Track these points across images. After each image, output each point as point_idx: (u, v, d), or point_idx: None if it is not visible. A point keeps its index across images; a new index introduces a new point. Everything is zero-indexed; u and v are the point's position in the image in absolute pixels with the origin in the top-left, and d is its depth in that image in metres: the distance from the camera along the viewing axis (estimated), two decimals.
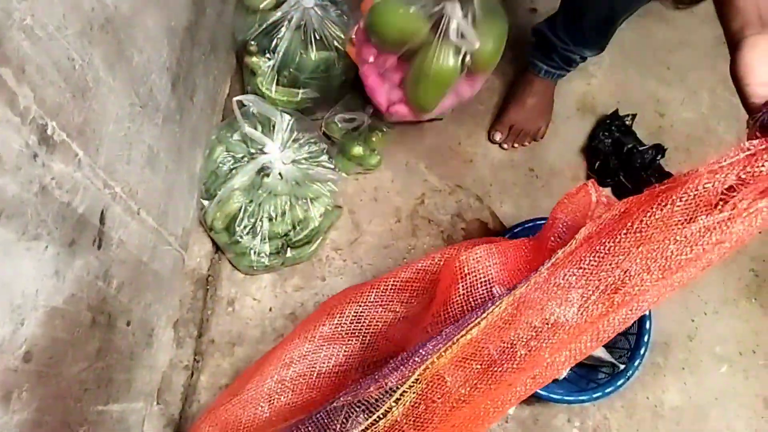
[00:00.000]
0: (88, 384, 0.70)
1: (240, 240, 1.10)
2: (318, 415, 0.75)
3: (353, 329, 0.93)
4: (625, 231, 0.65)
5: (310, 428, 0.76)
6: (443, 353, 0.69)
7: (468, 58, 0.96)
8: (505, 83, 1.35)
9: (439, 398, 0.70)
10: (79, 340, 0.66)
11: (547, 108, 1.31)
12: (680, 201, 0.62)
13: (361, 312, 0.94)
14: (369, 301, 0.94)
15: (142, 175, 0.80)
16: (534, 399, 1.13)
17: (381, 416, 0.71)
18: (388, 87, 1.06)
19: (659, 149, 1.29)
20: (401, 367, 0.71)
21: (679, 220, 0.62)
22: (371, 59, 1.01)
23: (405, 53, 0.98)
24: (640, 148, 1.29)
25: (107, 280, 0.72)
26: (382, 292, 0.95)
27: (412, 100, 1.03)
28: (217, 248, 1.15)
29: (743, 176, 0.59)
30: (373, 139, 1.19)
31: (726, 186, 0.60)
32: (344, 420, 0.74)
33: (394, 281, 0.95)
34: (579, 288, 0.68)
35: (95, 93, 0.63)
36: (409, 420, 0.70)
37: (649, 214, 0.64)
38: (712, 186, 0.60)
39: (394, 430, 0.70)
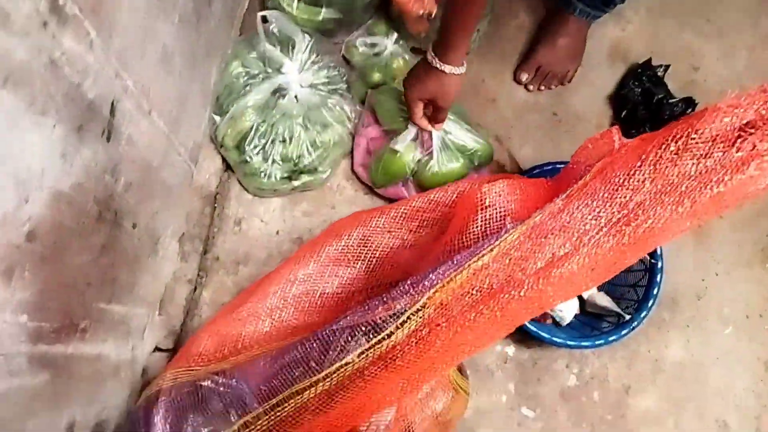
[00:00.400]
0: (91, 278, 0.69)
1: (249, 160, 1.07)
2: (322, 333, 0.75)
3: (359, 253, 0.92)
4: (639, 163, 0.63)
5: (314, 345, 0.76)
6: (453, 278, 0.68)
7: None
8: (535, 21, 1.29)
9: (444, 323, 0.69)
10: (84, 230, 0.65)
11: (578, 51, 1.25)
12: (696, 135, 0.59)
13: (368, 236, 0.92)
14: (377, 226, 0.93)
15: (155, 74, 0.77)
16: (535, 342, 1.13)
17: (384, 338, 0.71)
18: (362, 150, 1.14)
19: (690, 103, 1.24)
20: (411, 290, 0.70)
21: (695, 155, 0.59)
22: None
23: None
24: (670, 101, 1.24)
25: (115, 176, 0.70)
26: (392, 218, 0.94)
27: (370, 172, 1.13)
28: (227, 167, 1.13)
29: (763, 112, 0.56)
30: (394, 66, 1.14)
31: (744, 121, 0.57)
32: (347, 339, 0.74)
33: (404, 209, 0.94)
34: (591, 219, 0.66)
35: None
36: (411, 343, 0.69)
37: (664, 147, 0.61)
38: (731, 120, 0.58)
39: (396, 351, 0.70)
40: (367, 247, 0.92)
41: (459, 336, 0.70)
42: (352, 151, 1.17)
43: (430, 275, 0.70)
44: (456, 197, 0.94)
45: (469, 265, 0.68)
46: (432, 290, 0.68)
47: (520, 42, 1.28)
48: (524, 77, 1.25)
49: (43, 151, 0.53)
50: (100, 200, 0.67)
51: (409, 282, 0.71)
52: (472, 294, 0.68)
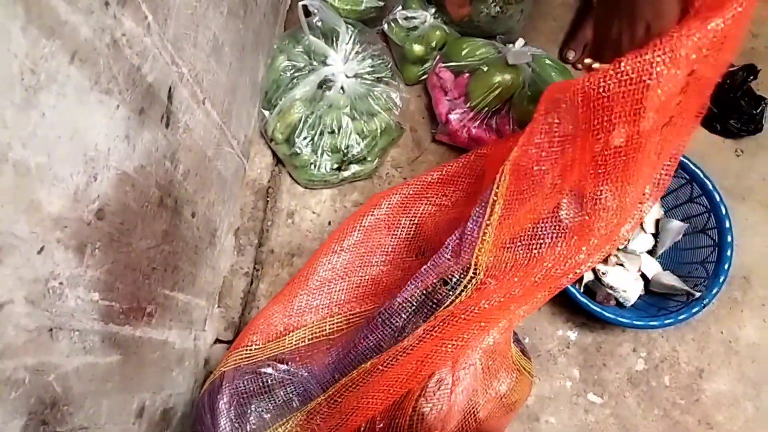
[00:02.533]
0: (155, 264, 0.71)
1: (299, 152, 1.08)
2: (384, 315, 0.74)
3: (398, 221, 0.93)
4: None
5: (378, 327, 0.75)
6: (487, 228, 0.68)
7: None
8: None
9: (491, 281, 0.68)
10: (148, 215, 0.66)
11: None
12: None
13: (406, 203, 0.94)
14: (415, 194, 0.94)
15: (207, 63, 0.79)
16: (598, 325, 1.09)
17: (442, 303, 0.71)
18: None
19: (751, 70, 1.18)
20: (460, 249, 0.70)
21: None
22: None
23: None
24: (730, 69, 1.18)
25: (174, 162, 0.72)
26: (427, 185, 0.94)
27: None
28: (278, 161, 1.14)
29: None
30: (433, 39, 1.13)
31: None
32: (410, 315, 0.73)
33: (439, 174, 0.94)
34: None
35: None
36: (465, 306, 0.69)
37: None
38: None
39: (451, 316, 0.69)
40: (407, 214, 0.93)
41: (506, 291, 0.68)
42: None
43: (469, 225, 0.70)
44: (486, 158, 0.94)
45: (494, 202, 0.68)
46: (475, 248, 0.68)
47: (566, 20, 1.25)
48: (571, 55, 1.22)
49: (108, 130, 0.55)
50: (161, 185, 0.69)
51: (450, 245, 0.71)
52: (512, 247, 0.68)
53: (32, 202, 0.45)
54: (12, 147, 0.42)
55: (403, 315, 0.72)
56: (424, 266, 0.71)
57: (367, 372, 0.71)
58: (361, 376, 0.71)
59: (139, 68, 0.59)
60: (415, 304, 0.72)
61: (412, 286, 0.72)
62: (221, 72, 0.85)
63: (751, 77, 1.18)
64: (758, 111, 1.17)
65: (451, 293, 0.69)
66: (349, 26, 1.10)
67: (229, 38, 0.86)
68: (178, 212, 0.76)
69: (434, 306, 0.69)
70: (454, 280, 0.69)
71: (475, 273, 0.67)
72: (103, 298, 0.59)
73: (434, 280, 0.69)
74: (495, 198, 0.68)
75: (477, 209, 0.70)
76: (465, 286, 0.68)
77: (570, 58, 1.22)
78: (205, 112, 0.81)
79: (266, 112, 1.10)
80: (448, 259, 0.70)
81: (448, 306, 0.67)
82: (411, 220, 0.93)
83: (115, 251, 0.60)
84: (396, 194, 0.94)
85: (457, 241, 0.70)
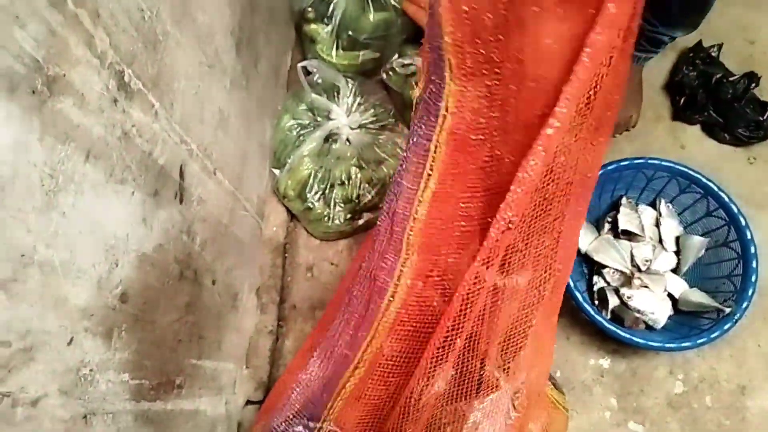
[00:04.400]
0: (181, 335, 0.72)
1: (312, 206, 1.10)
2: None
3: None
4: None
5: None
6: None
7: None
8: None
9: None
10: (169, 290, 0.68)
11: (637, 94, 1.20)
12: None
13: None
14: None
15: (215, 136, 0.82)
16: (630, 351, 1.07)
17: None
18: None
19: (752, 77, 1.19)
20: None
21: None
22: None
23: None
24: (731, 79, 1.19)
25: (191, 235, 0.74)
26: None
27: None
28: (292, 216, 1.16)
29: None
30: None
31: None
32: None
33: None
34: None
35: (165, 46, 0.64)
36: None
37: None
38: None
39: None
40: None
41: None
42: None
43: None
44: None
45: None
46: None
47: None
48: None
49: (126, 217, 0.57)
50: (180, 260, 0.71)
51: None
52: None
53: (59, 298, 0.47)
54: (36, 249, 0.44)
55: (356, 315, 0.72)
56: (370, 251, 0.70)
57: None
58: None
59: (150, 153, 0.62)
60: (365, 296, 0.71)
61: (363, 275, 0.71)
62: (229, 141, 0.88)
63: (753, 84, 1.18)
64: (765, 117, 1.17)
65: (388, 279, 0.67)
66: (349, 80, 1.14)
67: (234, 109, 0.90)
68: (198, 282, 0.78)
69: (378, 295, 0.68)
70: (389, 262, 0.66)
71: (408, 254, 0.64)
72: (133, 378, 0.60)
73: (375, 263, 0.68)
74: (430, 173, 0.60)
75: (406, 180, 0.62)
76: (401, 270, 0.66)
77: None
78: (216, 182, 0.83)
79: (276, 171, 1.13)
80: (382, 240, 0.66)
81: (391, 294, 0.65)
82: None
83: (141, 330, 0.61)
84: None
85: (388, 219, 0.66)
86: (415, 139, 0.63)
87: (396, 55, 1.20)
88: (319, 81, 1.14)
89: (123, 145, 0.56)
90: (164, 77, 0.65)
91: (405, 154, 0.66)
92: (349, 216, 1.12)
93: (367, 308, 0.72)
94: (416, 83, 1.15)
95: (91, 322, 0.52)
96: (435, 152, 0.60)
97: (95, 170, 0.51)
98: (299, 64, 1.08)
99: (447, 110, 0.57)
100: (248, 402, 1.00)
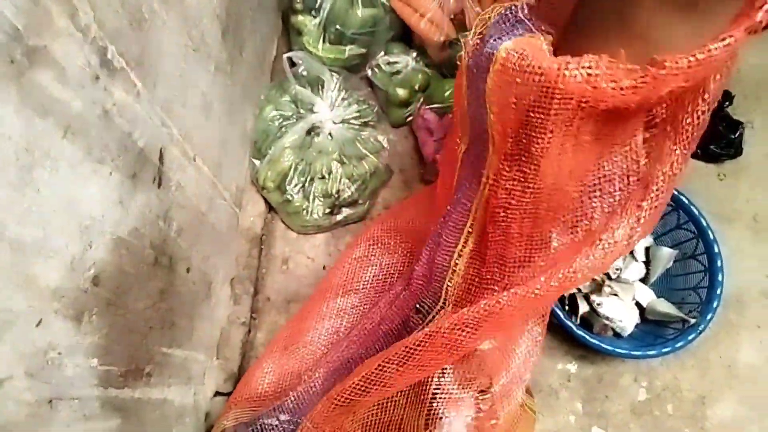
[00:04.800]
0: (152, 323, 0.71)
1: (291, 199, 1.09)
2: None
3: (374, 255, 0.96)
4: None
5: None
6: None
7: None
8: None
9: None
10: (143, 276, 0.67)
11: None
12: None
13: (378, 236, 1.01)
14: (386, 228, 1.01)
15: (197, 121, 0.81)
16: (598, 357, 1.09)
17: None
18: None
19: (726, 96, 1.22)
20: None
21: None
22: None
23: None
24: None
25: (167, 221, 0.73)
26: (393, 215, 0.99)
27: None
28: (270, 208, 1.15)
29: None
30: (417, 79, 1.17)
31: None
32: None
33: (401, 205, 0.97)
34: None
35: (150, 25, 0.63)
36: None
37: None
38: None
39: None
40: (379, 246, 0.95)
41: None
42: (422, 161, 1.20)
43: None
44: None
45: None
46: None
47: None
48: None
49: (102, 198, 0.56)
50: (155, 245, 0.69)
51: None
52: None
53: (29, 277, 0.46)
54: (7, 226, 0.43)
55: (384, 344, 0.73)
56: (402, 291, 0.71)
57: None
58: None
59: (130, 134, 0.61)
60: (396, 334, 0.72)
61: (392, 315, 0.72)
62: (211, 127, 0.87)
63: (727, 103, 1.21)
64: (736, 135, 1.20)
65: (421, 321, 0.69)
66: (334, 74, 1.13)
67: (217, 94, 0.88)
68: (173, 269, 0.76)
69: (407, 334, 0.69)
70: (426, 307, 0.69)
71: (444, 304, 0.67)
72: (102, 363, 0.59)
73: (411, 307, 0.69)
74: (470, 230, 0.62)
75: (446, 233, 0.65)
76: (434, 316, 0.68)
77: None
78: (196, 169, 0.82)
79: (257, 162, 1.12)
80: (420, 284, 0.70)
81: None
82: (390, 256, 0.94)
83: (112, 315, 0.60)
84: (369, 235, 0.96)
85: (426, 266, 0.69)
86: (458, 196, 0.65)
87: (382, 53, 1.20)
88: (304, 73, 1.13)
89: (103, 124, 0.54)
90: (148, 57, 0.63)
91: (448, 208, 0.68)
92: (327, 210, 1.12)
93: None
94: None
95: (62, 303, 0.51)
96: (476, 213, 0.62)
97: (73, 147, 0.50)
98: (285, 55, 1.06)
99: (488, 178, 0.57)
100: (217, 393, 0.99)
